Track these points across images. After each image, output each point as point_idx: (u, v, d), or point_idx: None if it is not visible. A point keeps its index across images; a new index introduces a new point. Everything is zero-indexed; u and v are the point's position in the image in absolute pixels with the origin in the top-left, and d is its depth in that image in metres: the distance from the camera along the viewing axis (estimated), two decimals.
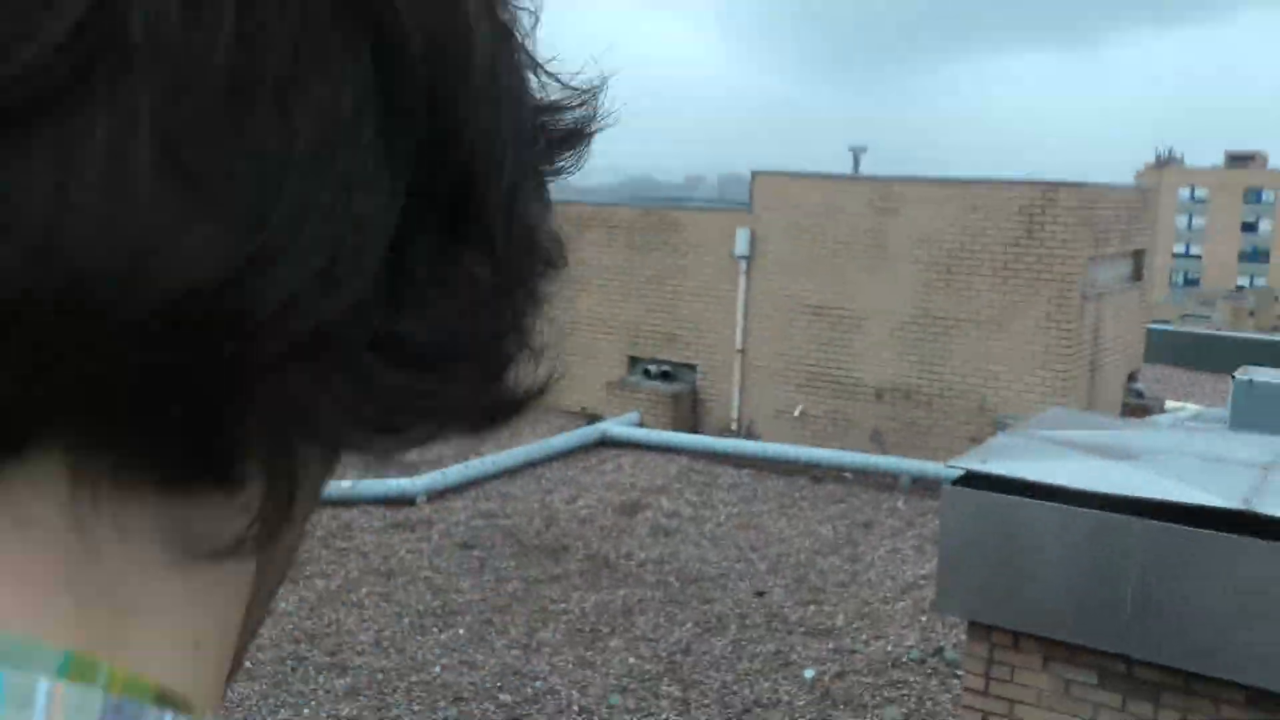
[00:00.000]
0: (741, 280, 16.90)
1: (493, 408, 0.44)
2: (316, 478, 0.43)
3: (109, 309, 0.31)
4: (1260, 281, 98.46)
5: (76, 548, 0.35)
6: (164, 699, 0.35)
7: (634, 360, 18.16)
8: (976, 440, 13.04)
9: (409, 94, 0.37)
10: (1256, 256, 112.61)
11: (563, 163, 0.48)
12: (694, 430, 16.62)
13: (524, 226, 0.43)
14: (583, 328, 17.78)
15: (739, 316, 16.98)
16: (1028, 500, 5.89)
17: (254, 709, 8.42)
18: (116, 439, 0.34)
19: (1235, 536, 5.32)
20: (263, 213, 0.33)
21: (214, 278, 0.32)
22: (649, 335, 17.99)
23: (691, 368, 17.66)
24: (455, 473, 13.61)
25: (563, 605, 10.50)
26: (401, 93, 0.37)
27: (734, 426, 16.92)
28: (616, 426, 16.25)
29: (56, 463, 0.34)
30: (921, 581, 10.57)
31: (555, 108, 0.46)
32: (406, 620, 10.03)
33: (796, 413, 16.40)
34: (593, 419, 16.76)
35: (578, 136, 0.48)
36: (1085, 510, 5.73)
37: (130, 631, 0.36)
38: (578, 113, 0.47)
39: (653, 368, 17.92)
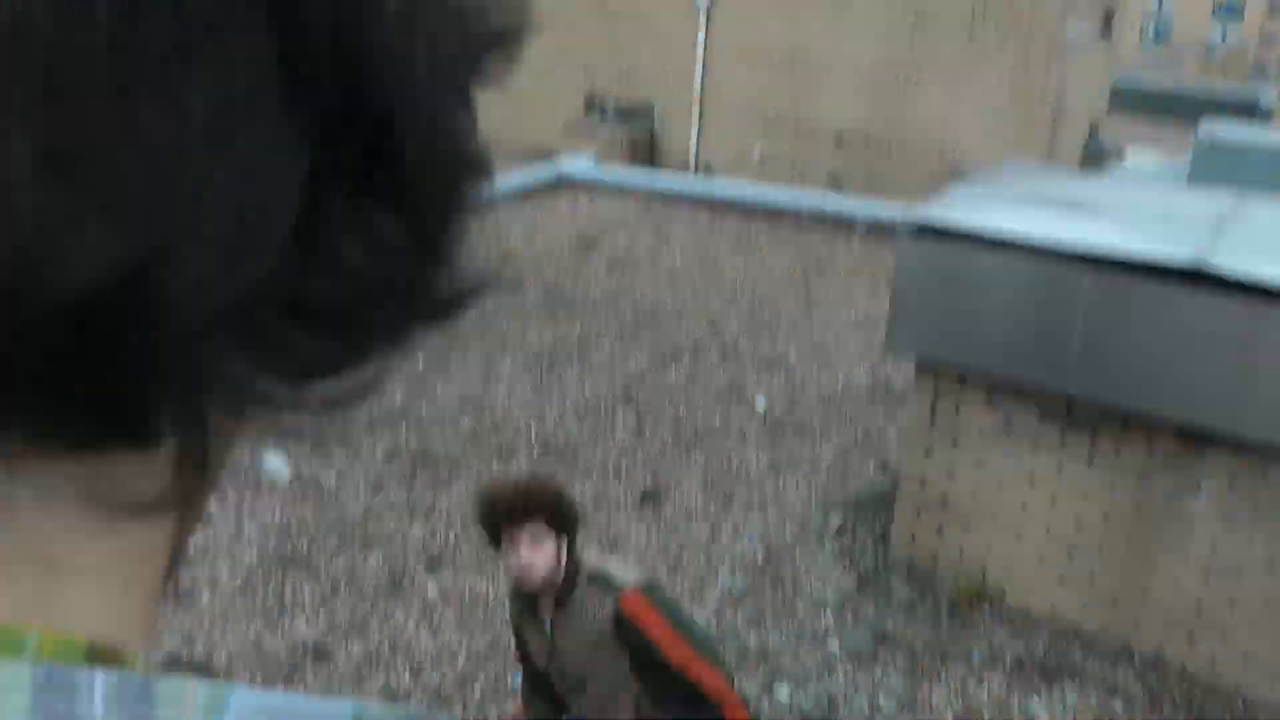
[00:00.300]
0: (701, 22, 16.60)
1: (427, 324, 0.45)
2: (236, 433, 0.44)
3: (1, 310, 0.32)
4: (1234, 37, 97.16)
5: None
6: (95, 654, 0.38)
7: (591, 101, 17.94)
8: (935, 181, 13.14)
9: (313, 52, 0.37)
10: (1231, 12, 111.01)
11: (493, 68, 0.45)
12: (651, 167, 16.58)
13: (447, 154, 0.43)
14: (539, 63, 17.48)
15: (698, 62, 16.75)
16: (981, 249, 5.99)
17: None
18: (28, 409, 0.35)
19: (1184, 289, 5.44)
20: (156, 206, 0.33)
21: (107, 278, 0.33)
22: (608, 75, 17.73)
23: (650, 109, 17.48)
24: None
25: (519, 338, 10.67)
26: (305, 53, 0.36)
27: (692, 168, 16.88)
28: (573, 165, 16.15)
29: None
30: (873, 318, 10.78)
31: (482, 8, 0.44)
32: None
33: (755, 156, 16.37)
34: (550, 156, 16.65)
35: (508, 37, 0.44)
36: (1036, 261, 5.85)
37: (58, 588, 0.38)
38: (510, 14, 0.44)
39: (610, 107, 17.73)
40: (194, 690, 0.38)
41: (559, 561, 3.60)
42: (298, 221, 0.37)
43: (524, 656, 4.06)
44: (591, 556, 3.77)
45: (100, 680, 0.36)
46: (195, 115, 0.34)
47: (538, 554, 3.52)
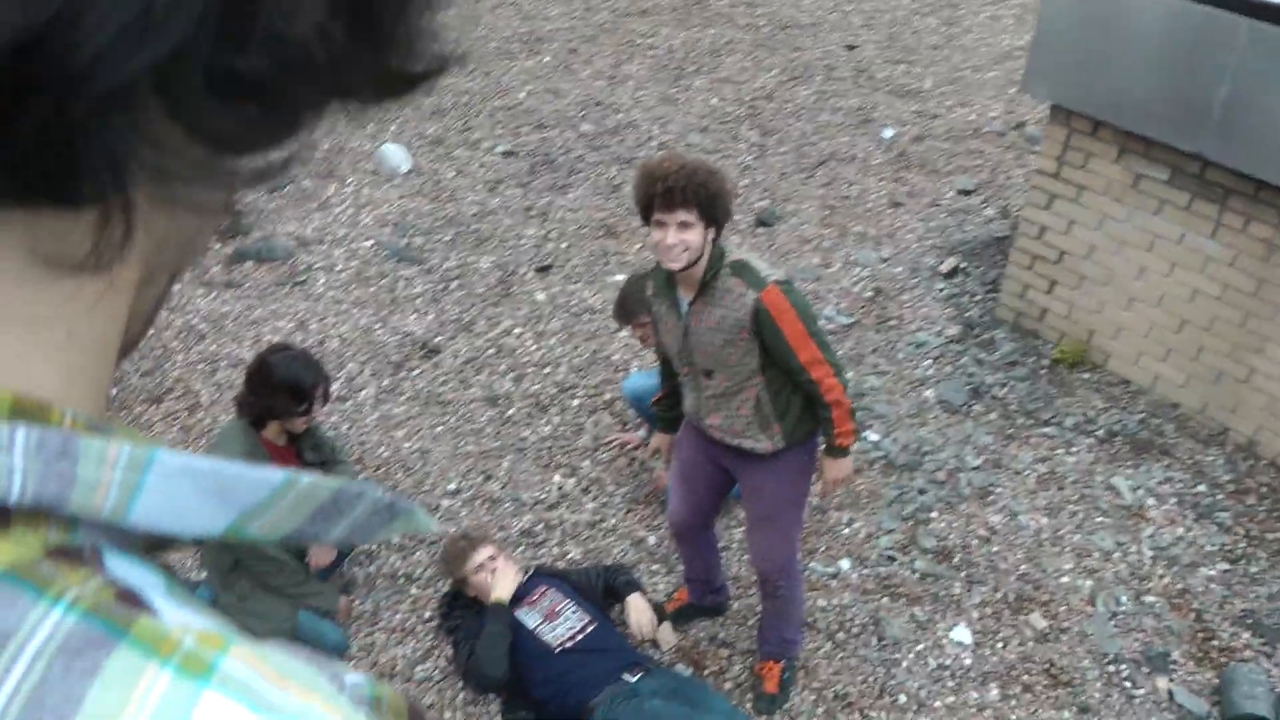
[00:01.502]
0: None
1: (363, 101, 0.46)
2: (177, 204, 0.45)
3: None
4: None
5: None
6: (18, 411, 0.39)
7: None
8: None
9: None
10: None
11: None
12: None
13: None
14: None
15: None
16: None
17: (341, 118, 8.67)
18: None
19: None
20: None
21: (10, 39, 0.34)
22: None
23: None
24: None
25: (650, 40, 10.47)
26: None
27: None
28: None
29: None
30: (1017, 53, 10.36)
31: None
32: (494, 44, 10.07)
33: None
34: None
35: None
36: (1194, 3, 5.53)
37: None
38: None
39: None
40: (117, 449, 0.40)
41: (704, 248, 3.73)
42: None
43: (656, 339, 4.28)
44: (733, 248, 3.88)
45: (21, 434, 0.38)
46: None
47: (686, 234, 3.67)
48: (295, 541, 0.48)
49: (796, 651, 4.76)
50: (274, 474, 0.44)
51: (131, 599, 0.39)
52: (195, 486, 0.42)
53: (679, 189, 3.60)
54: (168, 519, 0.42)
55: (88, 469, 0.39)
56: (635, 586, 4.87)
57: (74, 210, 0.40)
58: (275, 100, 0.41)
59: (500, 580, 4.66)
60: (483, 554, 4.72)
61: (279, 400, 4.34)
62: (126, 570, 0.41)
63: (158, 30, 0.36)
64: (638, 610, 4.78)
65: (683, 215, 3.63)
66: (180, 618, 0.39)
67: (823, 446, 4.11)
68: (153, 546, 0.45)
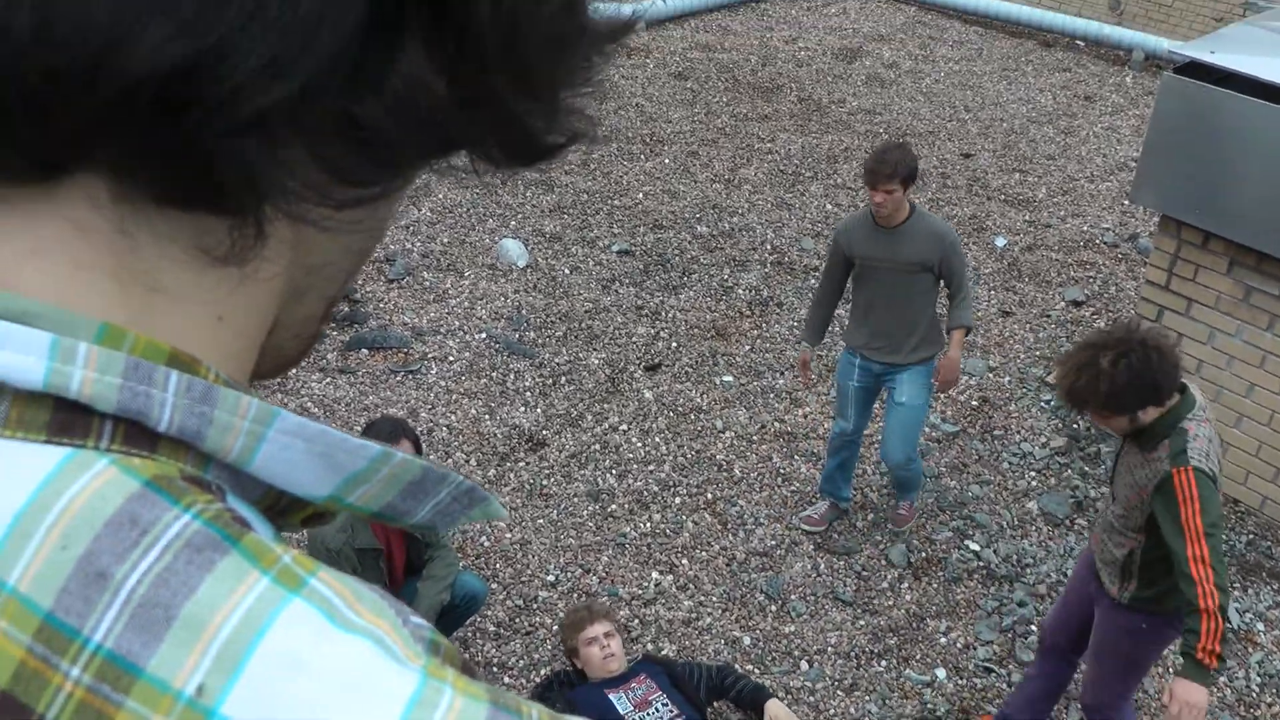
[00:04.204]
0: None
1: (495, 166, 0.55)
2: (303, 218, 0.52)
3: (90, 84, 0.43)
4: None
5: (120, 245, 0.48)
6: (174, 360, 0.48)
7: None
8: (1221, 22, 12.34)
9: None
10: None
11: None
12: None
13: (513, 11, 0.50)
14: None
15: None
16: (1247, 98, 5.66)
17: (463, 215, 8.93)
18: (139, 171, 0.47)
19: None
20: (209, 17, 0.43)
21: (164, 70, 0.43)
22: None
23: None
24: (677, 1, 13.39)
25: (769, 145, 10.62)
26: None
27: None
28: None
29: (101, 186, 0.47)
30: (1132, 164, 10.30)
31: None
32: (615, 146, 10.30)
33: None
34: None
35: None
36: None
37: (159, 308, 0.50)
38: None
39: None
40: (249, 403, 0.49)
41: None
42: (351, 47, 0.46)
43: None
44: (1203, 434, 3.93)
45: (174, 377, 0.47)
46: None
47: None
48: (388, 519, 0.57)
49: None
50: (372, 446, 0.53)
51: (244, 523, 0.47)
52: (308, 447, 0.51)
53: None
54: (283, 473, 0.51)
55: (223, 414, 0.48)
56: (765, 693, 4.86)
57: (221, 215, 0.49)
58: (385, 142, 0.50)
59: (605, 661, 4.72)
60: (598, 629, 4.78)
61: None
62: (243, 510, 0.50)
63: (289, 71, 0.44)
64: (783, 718, 4.79)
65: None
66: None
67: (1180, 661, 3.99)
68: (270, 513, 0.54)
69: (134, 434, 0.47)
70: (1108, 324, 7.93)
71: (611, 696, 4.64)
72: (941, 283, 5.49)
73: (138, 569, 0.43)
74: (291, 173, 0.48)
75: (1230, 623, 5.47)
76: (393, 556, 4.88)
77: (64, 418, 0.46)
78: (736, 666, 5.21)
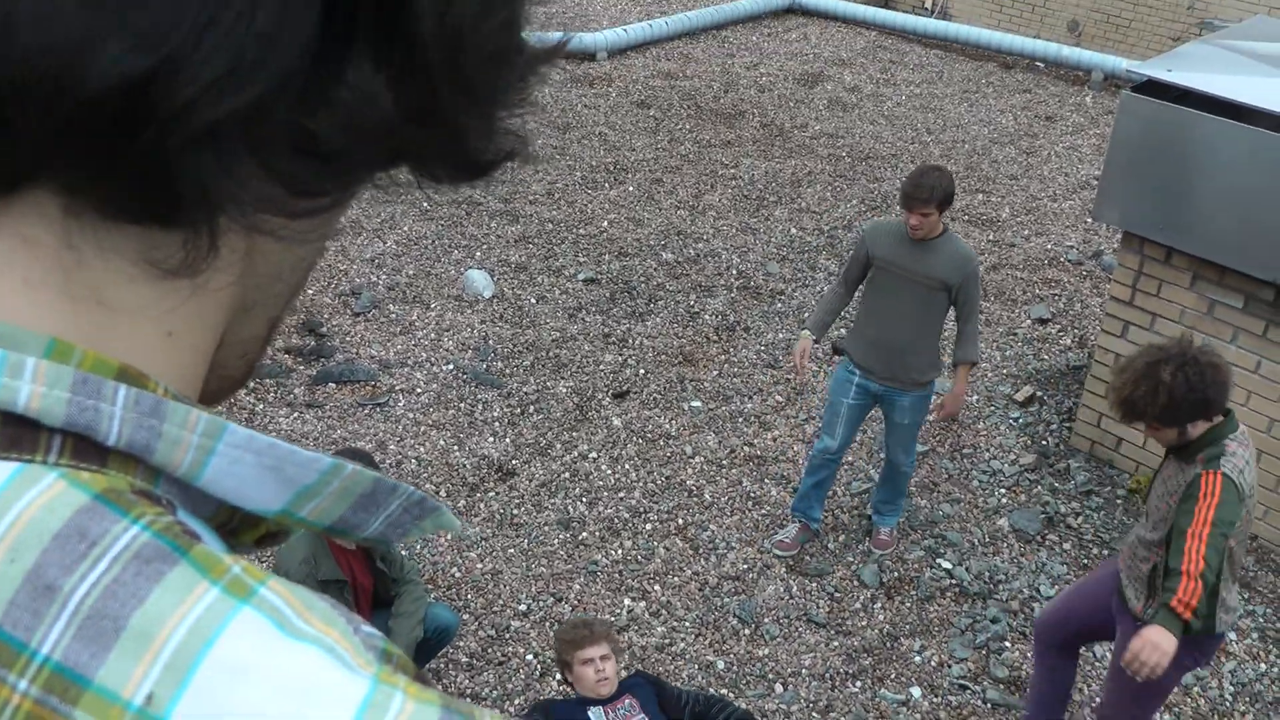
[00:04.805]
0: None
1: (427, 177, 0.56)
2: (252, 229, 0.52)
3: (51, 99, 0.43)
4: None
5: (68, 260, 0.49)
6: (123, 375, 0.49)
7: None
8: (1177, 41, 12.47)
9: None
10: None
11: None
12: (886, 5, 16.08)
13: (457, 27, 0.50)
14: None
15: None
16: (1204, 115, 5.72)
17: (429, 247, 8.90)
18: (92, 185, 0.47)
19: None
20: (165, 31, 0.43)
21: (119, 85, 0.43)
22: None
23: None
24: (638, 30, 13.38)
25: (732, 171, 10.64)
26: None
27: (927, 5, 16.33)
28: None
29: (51, 201, 0.47)
30: (1094, 182, 10.39)
31: None
32: (579, 174, 10.30)
33: None
34: None
35: None
36: (1261, 130, 5.57)
37: (107, 323, 0.50)
38: None
39: None
40: (197, 417, 0.50)
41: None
42: (304, 61, 0.46)
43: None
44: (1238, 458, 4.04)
45: (123, 391, 0.48)
46: None
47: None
48: (340, 533, 0.57)
49: None
50: (324, 458, 0.53)
51: (194, 535, 0.47)
52: (257, 460, 0.51)
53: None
54: (234, 487, 0.51)
55: (172, 427, 0.49)
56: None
57: (173, 228, 0.49)
58: (336, 154, 0.50)
59: (598, 684, 4.63)
60: (595, 651, 4.69)
61: None
62: (194, 525, 0.50)
63: (242, 85, 0.45)
64: None
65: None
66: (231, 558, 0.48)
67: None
68: (222, 531, 0.54)
69: (83, 448, 0.47)
70: (1074, 341, 7.97)
71: (591, 712, 4.59)
72: (951, 310, 5.51)
73: (86, 581, 0.43)
74: (244, 184, 0.48)
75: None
76: (358, 589, 4.84)
77: (12, 432, 0.46)
78: (725, 693, 5.18)
